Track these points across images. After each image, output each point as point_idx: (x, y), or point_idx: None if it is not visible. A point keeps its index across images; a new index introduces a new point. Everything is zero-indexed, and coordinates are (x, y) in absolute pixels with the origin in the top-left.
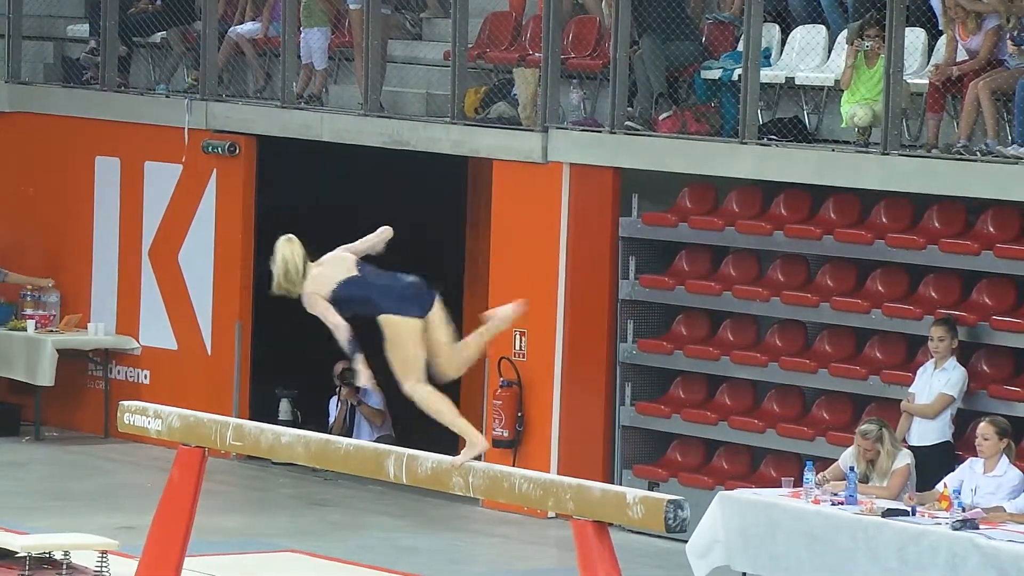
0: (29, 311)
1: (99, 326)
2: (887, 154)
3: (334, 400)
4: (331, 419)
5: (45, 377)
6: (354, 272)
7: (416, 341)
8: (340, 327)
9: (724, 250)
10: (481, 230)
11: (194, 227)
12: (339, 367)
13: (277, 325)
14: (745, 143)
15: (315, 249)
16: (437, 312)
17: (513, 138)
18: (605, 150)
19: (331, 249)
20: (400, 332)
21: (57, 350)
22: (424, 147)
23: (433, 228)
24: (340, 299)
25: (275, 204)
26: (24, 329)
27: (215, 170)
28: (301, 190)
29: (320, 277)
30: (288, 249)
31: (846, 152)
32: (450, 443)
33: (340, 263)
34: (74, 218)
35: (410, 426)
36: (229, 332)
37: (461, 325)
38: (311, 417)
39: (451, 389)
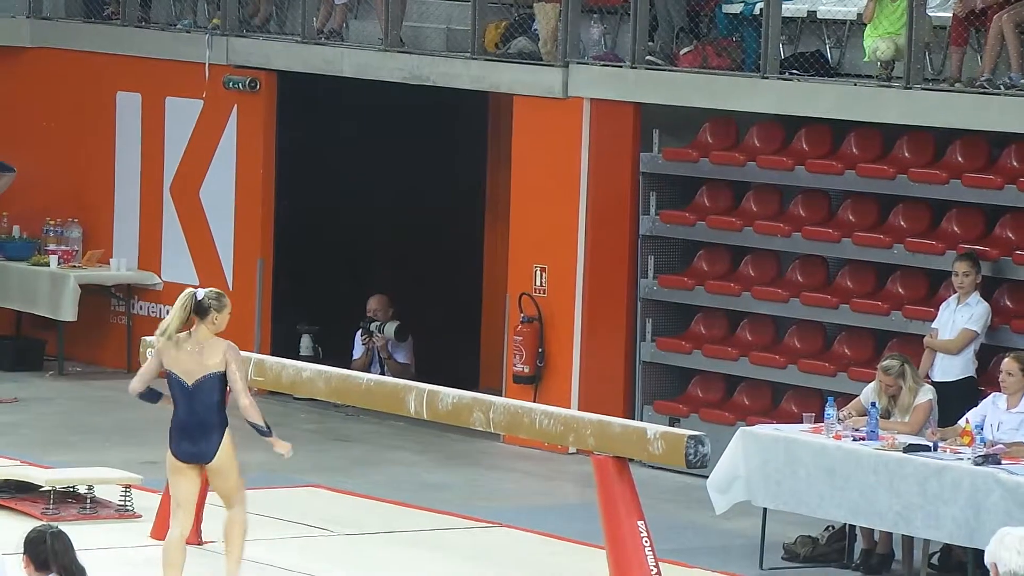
0: (52, 246)
1: (121, 261)
2: (910, 88)
3: (359, 336)
4: (355, 354)
5: (68, 312)
6: (184, 377)
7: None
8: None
9: (745, 185)
10: (502, 166)
11: (215, 163)
12: (374, 303)
13: (298, 261)
14: (767, 78)
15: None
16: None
17: (533, 73)
18: (626, 85)
19: (351, 192)
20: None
21: (80, 285)
22: (444, 82)
23: (453, 164)
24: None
25: (296, 140)
26: (47, 264)
27: (236, 106)
28: (322, 126)
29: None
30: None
31: (868, 86)
32: (470, 379)
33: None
34: (96, 154)
35: (426, 363)
36: (251, 268)
37: (482, 261)
38: (332, 353)
39: (471, 324)
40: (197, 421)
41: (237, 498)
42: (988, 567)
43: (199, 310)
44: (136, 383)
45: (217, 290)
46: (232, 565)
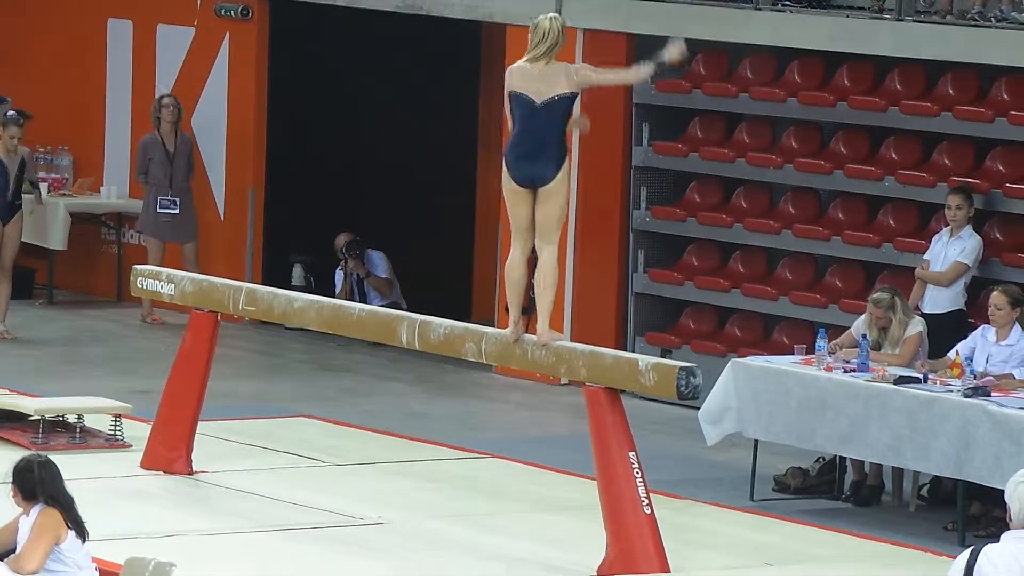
0: (42, 174)
1: (112, 190)
2: (901, 20)
3: (339, 272)
4: (337, 290)
5: (58, 241)
6: (533, 96)
7: (563, 202)
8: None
9: (738, 117)
10: (494, 96)
11: (207, 92)
12: (342, 240)
13: (291, 191)
14: (759, 9)
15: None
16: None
17: (527, 4)
18: (619, 16)
19: (343, 122)
20: (562, 187)
21: (70, 214)
22: (438, 12)
23: (446, 94)
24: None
25: (288, 69)
26: None
27: (228, 34)
28: (314, 55)
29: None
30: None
31: (860, 18)
32: (462, 310)
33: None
34: (86, 81)
35: (418, 294)
36: (242, 197)
37: (475, 192)
38: (324, 283)
39: (464, 256)
40: (541, 143)
41: (551, 237)
42: (1007, 502)
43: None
44: None
45: None
46: (543, 316)
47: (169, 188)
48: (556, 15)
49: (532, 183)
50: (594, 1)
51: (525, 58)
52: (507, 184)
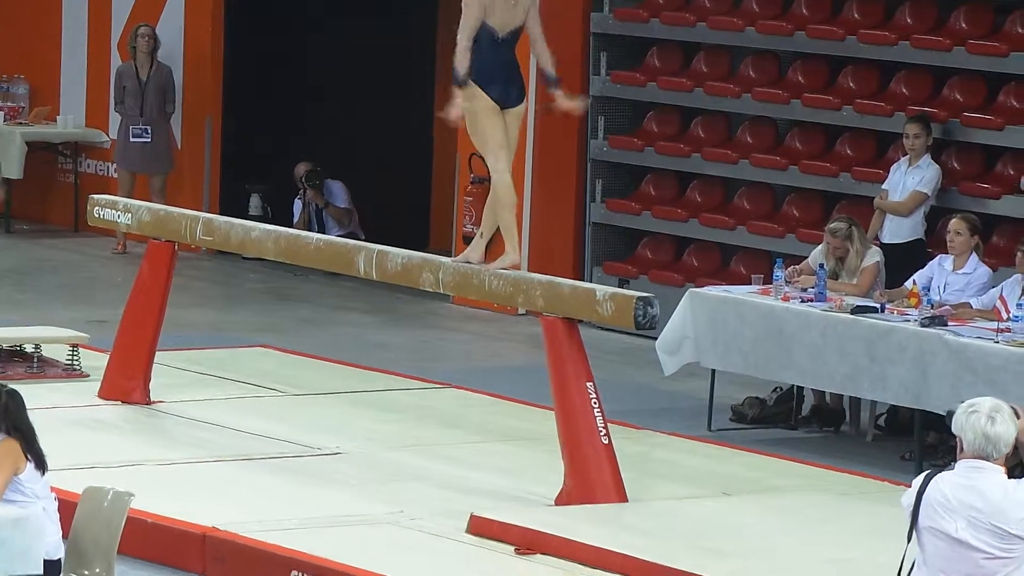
0: None
1: (68, 119)
2: None
3: (297, 201)
4: (295, 219)
5: (14, 169)
6: (498, 29)
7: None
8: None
9: (696, 46)
10: (452, 25)
11: (163, 20)
12: (301, 169)
13: (248, 120)
14: None
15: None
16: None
17: None
18: None
19: (303, 50)
20: (475, 106)
21: (26, 142)
22: None
23: (407, 24)
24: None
25: None
26: None
27: None
28: None
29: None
30: None
31: None
32: (419, 240)
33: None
34: (42, 9)
35: (377, 224)
36: (199, 126)
37: (432, 122)
38: (281, 212)
39: (421, 184)
40: (513, 68)
41: (510, 157)
42: (957, 432)
43: None
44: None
45: None
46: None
47: (140, 117)
48: None
49: (508, 104)
50: None
51: None
52: (485, 104)
